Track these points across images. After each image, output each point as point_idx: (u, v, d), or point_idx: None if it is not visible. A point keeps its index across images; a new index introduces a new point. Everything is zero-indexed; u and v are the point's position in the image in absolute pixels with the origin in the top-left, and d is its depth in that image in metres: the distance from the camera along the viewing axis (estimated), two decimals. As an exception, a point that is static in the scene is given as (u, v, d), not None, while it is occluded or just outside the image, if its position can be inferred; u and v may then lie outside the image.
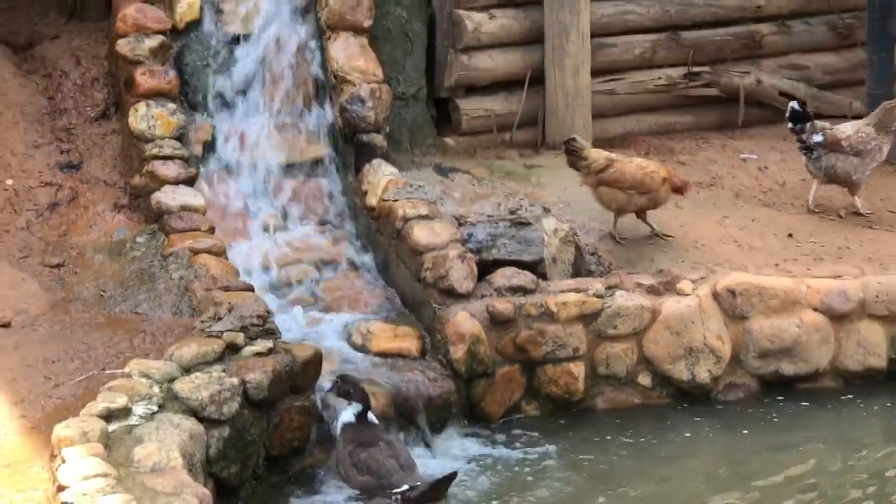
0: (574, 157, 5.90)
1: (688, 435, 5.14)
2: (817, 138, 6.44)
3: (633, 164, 5.99)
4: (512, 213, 5.60)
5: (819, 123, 6.53)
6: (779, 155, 7.05)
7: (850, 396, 5.36)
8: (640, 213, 5.95)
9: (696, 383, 5.16)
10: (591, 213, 5.99)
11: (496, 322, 4.97)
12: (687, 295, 5.15)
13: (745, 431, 5.11)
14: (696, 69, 7.22)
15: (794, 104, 6.69)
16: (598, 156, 5.87)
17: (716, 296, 5.16)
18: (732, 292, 5.16)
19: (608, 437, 5.09)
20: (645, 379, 5.19)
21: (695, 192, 6.43)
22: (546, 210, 5.76)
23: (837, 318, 5.25)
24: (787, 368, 5.22)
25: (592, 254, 5.62)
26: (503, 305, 4.96)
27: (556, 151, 6.71)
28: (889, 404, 5.37)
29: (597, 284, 5.17)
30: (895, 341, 5.39)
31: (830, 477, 4.85)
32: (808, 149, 6.46)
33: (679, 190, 5.95)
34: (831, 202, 6.55)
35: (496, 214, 5.59)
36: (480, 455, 4.81)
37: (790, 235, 6.07)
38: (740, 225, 6.17)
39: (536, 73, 6.83)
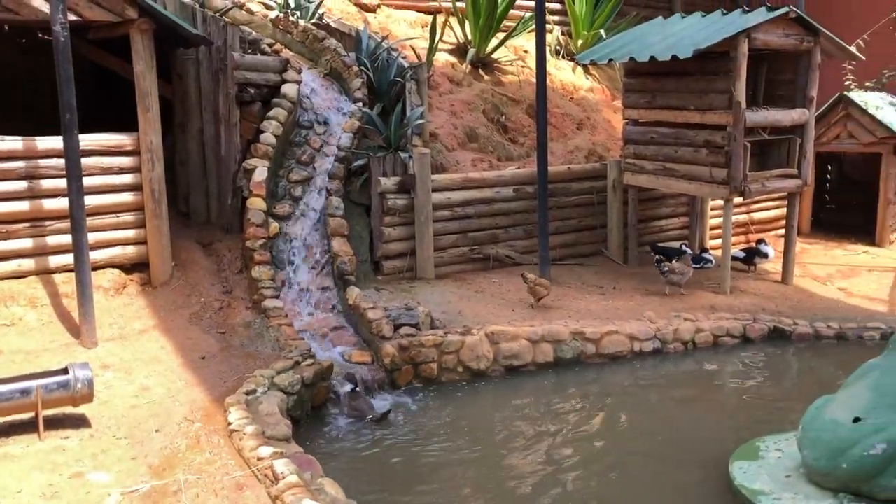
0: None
1: (476, 388, 6.02)
2: (665, 268, 7.64)
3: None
4: (406, 306, 6.41)
5: (668, 264, 7.62)
6: (512, 280, 7.81)
7: (542, 373, 6.17)
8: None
9: (481, 370, 6.13)
10: (435, 305, 6.81)
11: (401, 348, 5.90)
12: (475, 335, 6.13)
13: (501, 390, 5.95)
14: (475, 247, 8.19)
15: (659, 257, 7.88)
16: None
17: (487, 334, 6.16)
18: (493, 332, 6.20)
19: (448, 392, 5.91)
20: (460, 368, 6.09)
21: (477, 293, 7.43)
22: (418, 304, 6.52)
23: (534, 342, 6.29)
24: (516, 362, 6.21)
25: (437, 321, 6.49)
26: (404, 341, 5.93)
27: (423, 281, 7.62)
28: (555, 379, 6.18)
29: (440, 332, 6.16)
30: (556, 351, 6.32)
31: (534, 410, 5.66)
32: (661, 272, 7.65)
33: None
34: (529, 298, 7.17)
35: (400, 306, 6.39)
36: (398, 402, 5.71)
37: (513, 310, 6.97)
38: (497, 307, 7.02)
39: (412, 248, 7.68)
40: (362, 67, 8.60)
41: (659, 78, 8.39)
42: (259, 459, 4.09)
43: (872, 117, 10.12)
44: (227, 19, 8.23)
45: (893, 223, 10.63)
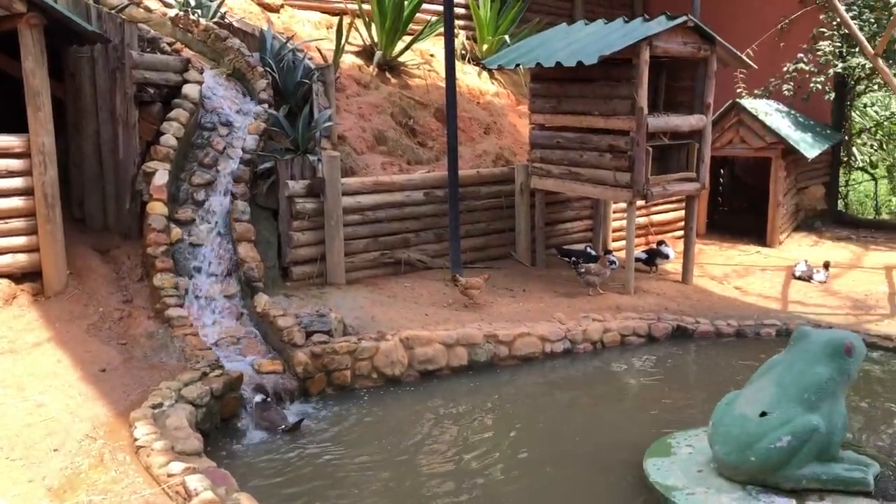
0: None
1: (391, 394, 5.97)
2: (581, 269, 7.90)
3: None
4: (318, 312, 6.33)
5: (584, 265, 7.88)
6: (424, 284, 7.93)
7: (457, 376, 6.21)
8: None
9: (395, 376, 6.09)
10: (347, 310, 6.71)
11: (314, 355, 5.80)
12: (389, 341, 6.08)
13: (416, 395, 5.93)
14: (387, 252, 8.15)
15: (574, 258, 8.24)
16: None
17: (401, 340, 6.11)
18: (407, 337, 6.15)
19: (362, 399, 5.85)
20: (374, 374, 6.03)
21: (390, 298, 7.34)
22: (330, 310, 6.45)
23: (448, 346, 6.28)
24: (430, 367, 6.19)
25: (350, 327, 6.44)
26: (316, 348, 5.84)
27: (334, 286, 7.51)
28: (469, 382, 6.16)
29: (353, 338, 6.09)
30: (471, 355, 6.34)
31: (449, 414, 5.69)
32: (578, 273, 7.89)
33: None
34: (457, 301, 7.43)
35: (312, 313, 6.32)
36: (311, 410, 5.64)
37: (426, 315, 6.86)
38: (410, 311, 6.98)
39: (322, 253, 7.54)
40: (267, 68, 8.50)
41: (564, 83, 8.55)
42: (170, 476, 3.95)
43: (763, 123, 10.64)
44: (123, 16, 7.93)
45: (783, 224, 11.18)
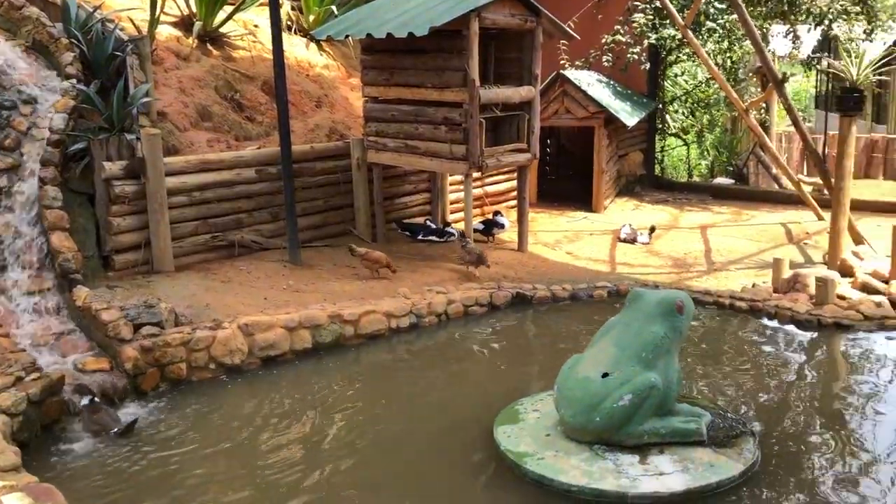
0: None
1: (232, 384, 5.72)
2: (469, 245, 7.73)
3: None
4: (146, 303, 5.93)
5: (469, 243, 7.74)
6: (262, 266, 7.70)
7: (302, 360, 6.00)
8: None
9: (236, 365, 5.71)
10: (178, 299, 6.41)
11: (144, 350, 5.49)
12: (227, 329, 5.82)
13: (259, 383, 5.68)
14: (218, 234, 7.91)
15: (462, 236, 8.02)
16: None
17: (240, 326, 5.86)
18: (246, 324, 5.89)
19: (200, 391, 5.56)
20: (213, 365, 5.76)
21: (224, 283, 7.07)
22: (159, 300, 6.06)
23: (291, 330, 6.06)
24: (273, 352, 5.95)
25: (183, 316, 6.09)
26: (146, 342, 5.52)
27: (162, 274, 7.25)
28: (315, 365, 5.98)
29: (187, 328, 5.77)
30: (315, 337, 6.13)
31: (295, 398, 5.52)
32: (463, 248, 7.66)
33: None
34: (298, 281, 7.22)
35: (139, 304, 5.94)
36: (145, 409, 5.30)
37: (266, 298, 6.76)
38: (248, 296, 6.78)
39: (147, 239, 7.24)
40: (73, 40, 7.90)
41: (396, 55, 8.46)
42: (-17, 498, 3.56)
43: (585, 93, 11.07)
44: None
45: (607, 190, 11.75)
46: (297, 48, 11.07)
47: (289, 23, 11.30)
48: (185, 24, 9.99)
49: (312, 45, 11.33)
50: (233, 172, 7.89)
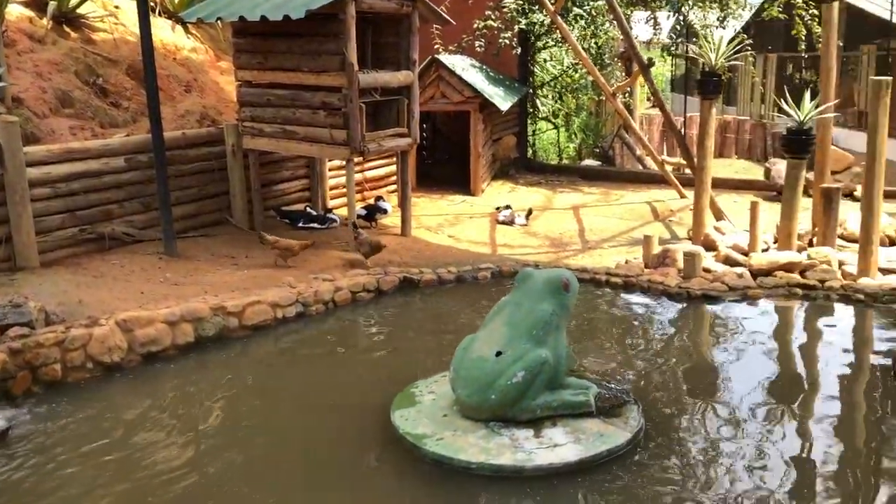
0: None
1: (111, 383, 5.42)
2: (362, 235, 7.64)
3: None
4: (12, 303, 5.58)
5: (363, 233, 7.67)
6: (136, 259, 7.40)
7: (185, 355, 5.72)
8: None
9: (115, 363, 5.52)
10: (47, 297, 6.05)
11: (13, 352, 5.15)
12: (104, 326, 5.52)
13: (140, 380, 5.40)
14: (87, 227, 7.58)
15: (355, 227, 7.90)
16: None
17: (117, 323, 5.58)
18: (124, 320, 5.61)
19: (77, 392, 5.22)
20: (90, 364, 5.43)
21: (97, 278, 6.77)
22: (26, 298, 5.72)
23: (172, 324, 5.75)
24: (154, 348, 5.66)
25: (54, 314, 5.77)
26: (15, 344, 5.20)
27: (27, 271, 6.89)
28: (198, 359, 5.78)
29: (60, 327, 5.40)
30: (198, 330, 5.88)
31: (177, 395, 5.31)
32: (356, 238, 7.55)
33: None
34: (175, 273, 7.03)
35: (4, 304, 5.60)
36: (16, 415, 4.89)
37: (143, 293, 6.46)
38: (123, 290, 6.44)
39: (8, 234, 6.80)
40: None
41: (270, 38, 8.28)
42: None
43: (460, 78, 11.20)
44: None
45: (483, 174, 11.96)
46: (162, 31, 10.60)
47: (153, 4, 10.76)
48: (38, 3, 9.35)
49: (179, 28, 10.89)
50: (100, 162, 7.58)
